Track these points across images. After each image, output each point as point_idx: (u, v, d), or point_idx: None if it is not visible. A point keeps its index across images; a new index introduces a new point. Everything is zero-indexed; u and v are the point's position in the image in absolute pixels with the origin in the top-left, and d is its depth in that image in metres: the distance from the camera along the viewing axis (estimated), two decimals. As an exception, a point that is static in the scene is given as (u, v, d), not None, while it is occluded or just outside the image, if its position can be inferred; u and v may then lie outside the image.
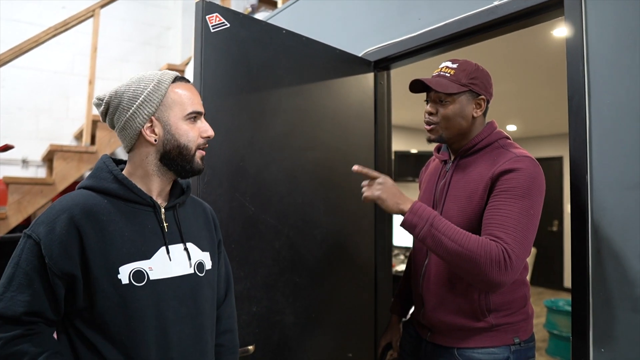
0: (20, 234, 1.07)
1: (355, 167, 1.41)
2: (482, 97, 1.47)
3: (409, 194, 1.67)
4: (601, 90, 1.41)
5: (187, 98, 1.14)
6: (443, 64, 1.48)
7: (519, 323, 1.44)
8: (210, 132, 1.17)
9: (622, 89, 1.36)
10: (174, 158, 1.13)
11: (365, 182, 1.43)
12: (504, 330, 1.42)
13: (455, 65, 1.45)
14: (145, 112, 1.10)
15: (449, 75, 1.44)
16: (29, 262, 1.00)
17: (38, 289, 1.00)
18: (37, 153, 4.29)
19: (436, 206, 1.51)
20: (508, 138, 1.49)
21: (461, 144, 1.49)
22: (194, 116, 1.14)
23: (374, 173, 1.42)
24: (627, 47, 1.36)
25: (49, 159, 4.13)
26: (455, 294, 1.43)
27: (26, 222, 3.66)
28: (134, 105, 1.10)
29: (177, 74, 1.17)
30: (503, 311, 1.42)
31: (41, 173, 4.31)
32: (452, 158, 1.53)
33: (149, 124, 1.11)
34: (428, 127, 1.49)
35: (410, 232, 1.35)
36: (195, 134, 1.14)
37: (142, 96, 1.10)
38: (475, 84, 1.45)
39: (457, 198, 1.43)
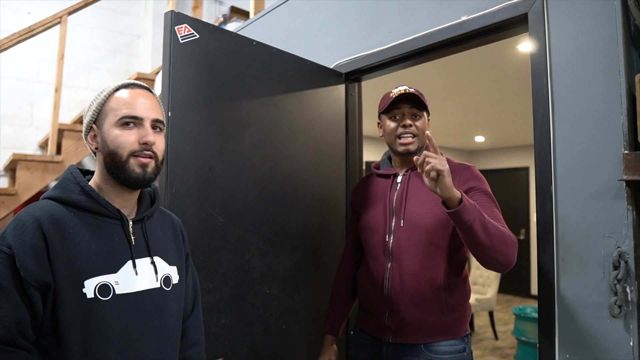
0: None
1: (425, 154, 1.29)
2: (429, 117, 1.66)
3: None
4: (564, 104, 1.46)
5: (123, 103, 1.09)
6: (403, 87, 1.60)
7: (467, 317, 1.60)
8: (147, 138, 1.08)
9: (583, 102, 1.41)
10: (109, 166, 1.09)
11: (429, 153, 1.28)
12: (459, 323, 1.57)
13: (413, 89, 1.59)
14: (87, 121, 1.13)
15: (416, 94, 1.58)
16: (3, 276, 0.95)
17: (18, 302, 0.95)
18: (-2, 162, 4.15)
19: (395, 213, 1.59)
20: (442, 154, 1.61)
21: (413, 157, 1.56)
22: (126, 121, 1.08)
23: (439, 151, 1.31)
24: (588, 62, 1.41)
25: (11, 169, 3.99)
26: (426, 293, 1.51)
27: (-14, 234, 3.51)
28: (84, 116, 1.14)
29: (132, 82, 1.14)
30: (459, 305, 1.56)
31: (3, 183, 4.16)
32: (403, 171, 1.65)
33: (93, 133, 1.12)
34: (411, 140, 1.58)
35: (462, 217, 1.26)
36: (126, 139, 1.07)
37: (89, 106, 1.13)
38: (428, 106, 1.62)
39: (423, 203, 1.54)
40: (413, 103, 1.59)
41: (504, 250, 1.33)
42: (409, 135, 1.58)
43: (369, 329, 1.66)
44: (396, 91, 1.59)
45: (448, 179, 1.25)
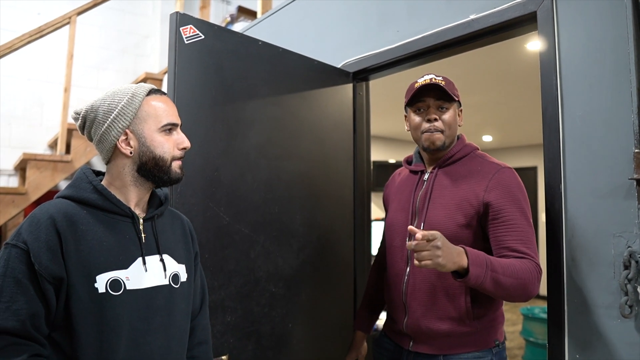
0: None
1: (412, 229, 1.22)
2: (461, 109, 1.55)
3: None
4: (573, 103, 1.44)
5: (162, 110, 1.15)
6: (429, 76, 1.49)
7: (498, 326, 1.50)
8: (186, 143, 1.19)
9: (593, 101, 1.40)
10: (150, 169, 1.14)
11: (414, 244, 1.20)
12: (486, 334, 1.46)
13: (441, 78, 1.48)
14: (120, 125, 1.12)
15: (442, 84, 1.46)
16: (18, 270, 0.98)
17: (32, 296, 0.98)
18: (9, 162, 4.19)
19: (417, 215, 1.52)
20: (478, 149, 1.56)
21: (442, 153, 1.53)
22: (169, 128, 1.16)
23: (429, 233, 1.19)
24: (598, 60, 1.39)
25: (21, 168, 4.03)
26: (443, 301, 1.44)
27: (-3, 233, 3.55)
28: (109, 119, 1.12)
29: (153, 86, 1.19)
30: (486, 314, 1.46)
31: (13, 182, 4.21)
32: (431, 168, 1.56)
33: (124, 137, 1.13)
34: (436, 134, 1.47)
35: (470, 283, 1.24)
36: (170, 145, 1.16)
37: (117, 110, 1.12)
38: (458, 96, 1.52)
39: (445, 206, 1.45)
40: (440, 94, 1.47)
41: (521, 294, 1.30)
42: (434, 130, 1.47)
43: (392, 334, 1.61)
44: (421, 81, 1.48)
45: (446, 267, 1.20)
